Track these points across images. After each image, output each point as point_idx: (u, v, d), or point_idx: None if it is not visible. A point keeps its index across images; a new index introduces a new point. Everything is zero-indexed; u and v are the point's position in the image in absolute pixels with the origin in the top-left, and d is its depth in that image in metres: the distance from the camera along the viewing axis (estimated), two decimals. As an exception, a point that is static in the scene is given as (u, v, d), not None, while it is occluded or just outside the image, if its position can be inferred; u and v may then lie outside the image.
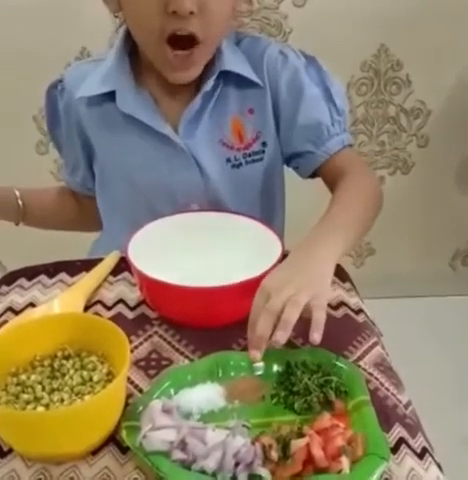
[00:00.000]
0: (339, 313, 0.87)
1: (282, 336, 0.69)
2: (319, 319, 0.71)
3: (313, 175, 1.04)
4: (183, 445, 0.63)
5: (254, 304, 0.74)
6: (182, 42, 0.88)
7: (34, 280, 0.95)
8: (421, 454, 0.67)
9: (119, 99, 0.98)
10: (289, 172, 1.08)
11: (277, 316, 0.70)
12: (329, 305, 0.88)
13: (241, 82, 0.98)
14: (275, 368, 0.75)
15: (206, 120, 0.99)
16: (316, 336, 0.70)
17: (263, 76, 0.99)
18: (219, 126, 1.00)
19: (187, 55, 0.90)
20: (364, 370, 0.77)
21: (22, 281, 0.95)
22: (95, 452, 0.67)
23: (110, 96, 0.99)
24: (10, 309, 0.89)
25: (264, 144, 1.01)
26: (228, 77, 0.98)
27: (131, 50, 1.00)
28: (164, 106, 1.00)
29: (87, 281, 0.92)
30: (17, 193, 1.08)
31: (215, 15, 0.88)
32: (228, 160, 1.00)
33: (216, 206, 1.01)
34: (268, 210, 1.08)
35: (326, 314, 0.83)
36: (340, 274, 0.96)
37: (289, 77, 1.00)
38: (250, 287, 0.82)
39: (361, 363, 0.78)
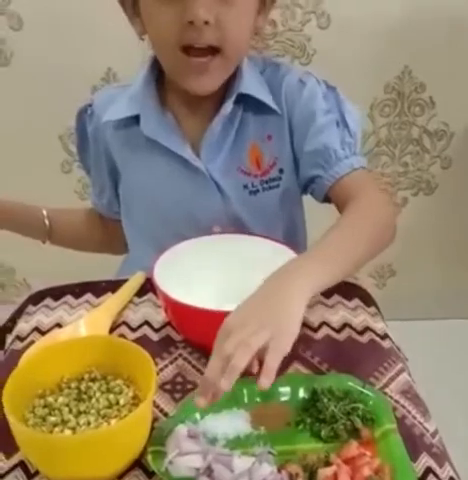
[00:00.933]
0: (365, 338, 0.87)
1: (225, 384, 0.63)
2: (270, 364, 0.64)
3: (328, 200, 1.02)
4: (209, 472, 0.63)
5: (214, 344, 0.67)
6: (198, 51, 0.89)
7: (60, 300, 0.96)
8: (448, 484, 0.66)
9: (143, 122, 0.99)
10: (311, 198, 1.07)
11: (226, 360, 0.64)
12: (355, 330, 0.88)
13: (260, 108, 0.99)
14: (301, 394, 0.75)
15: (228, 146, 1.00)
16: (263, 381, 0.64)
17: (281, 103, 0.99)
18: (238, 153, 1.00)
19: (202, 62, 0.90)
20: (390, 397, 0.76)
21: (48, 301, 0.96)
22: (121, 476, 0.67)
23: (135, 120, 1.00)
24: (36, 329, 0.90)
25: (281, 171, 1.01)
26: (248, 102, 0.98)
27: (157, 76, 1.01)
28: (187, 129, 1.01)
29: (112, 302, 0.93)
30: (44, 212, 1.10)
31: (232, 27, 0.88)
32: (245, 186, 1.01)
33: (238, 228, 1.02)
34: (289, 235, 1.08)
35: (351, 339, 0.84)
36: (365, 298, 0.96)
37: (303, 104, 0.99)
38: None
39: (387, 390, 0.77)
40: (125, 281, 0.98)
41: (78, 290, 0.98)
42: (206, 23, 0.85)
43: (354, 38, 1.68)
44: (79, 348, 0.75)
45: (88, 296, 0.97)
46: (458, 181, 1.90)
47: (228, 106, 0.96)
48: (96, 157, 1.09)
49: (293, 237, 1.09)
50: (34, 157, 1.81)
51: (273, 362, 0.64)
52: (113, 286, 0.97)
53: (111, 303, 0.92)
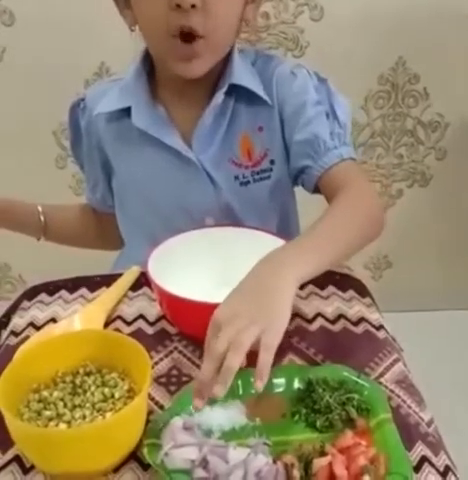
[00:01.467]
0: (360, 329, 0.87)
1: (219, 390, 0.64)
2: (264, 363, 0.65)
3: (318, 190, 1.01)
4: (205, 463, 0.63)
5: (206, 339, 0.68)
6: (186, 36, 0.89)
7: (55, 295, 0.96)
8: (444, 472, 0.66)
9: (134, 115, 0.99)
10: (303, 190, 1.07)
11: (220, 360, 0.65)
12: (350, 321, 0.88)
13: (252, 99, 0.99)
14: (296, 385, 0.75)
15: (219, 137, 1.00)
16: (259, 384, 0.65)
17: (272, 94, 0.99)
18: (230, 144, 1.00)
19: (190, 47, 0.90)
20: (386, 387, 0.76)
21: (43, 296, 0.96)
22: (116, 469, 0.67)
23: (127, 112, 1.00)
24: (31, 324, 0.90)
25: (272, 162, 1.02)
26: (239, 93, 0.98)
27: (149, 69, 1.02)
28: (178, 121, 1.01)
29: (107, 296, 0.93)
30: (39, 209, 1.10)
31: (219, 12, 0.89)
32: (236, 178, 1.01)
33: (230, 220, 1.02)
34: (282, 227, 1.08)
35: (346, 330, 0.84)
36: (360, 289, 0.96)
37: (294, 95, 0.99)
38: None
39: (382, 380, 0.77)
40: (120, 275, 0.98)
41: (72, 285, 0.98)
42: (193, 6, 0.86)
43: (347, 30, 1.68)
44: (74, 342, 0.74)
45: (83, 291, 0.97)
46: (453, 172, 1.91)
47: (219, 97, 0.96)
48: (89, 151, 1.09)
49: (286, 228, 1.09)
50: (28, 153, 1.80)
51: (267, 361, 0.65)
52: (108, 280, 0.97)
53: (106, 297, 0.92)
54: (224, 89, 0.96)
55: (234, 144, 1.00)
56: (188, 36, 0.89)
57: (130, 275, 0.97)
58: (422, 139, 1.85)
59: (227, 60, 0.98)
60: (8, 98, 1.74)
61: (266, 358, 0.65)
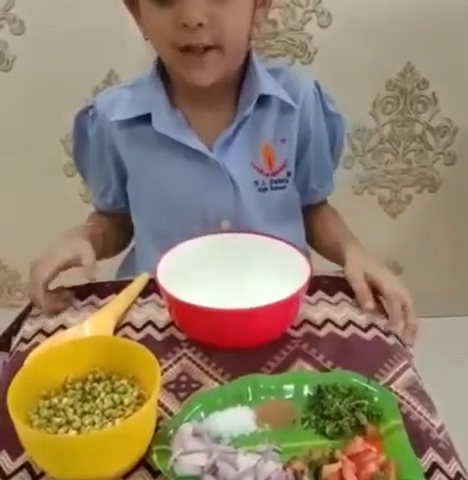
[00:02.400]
0: (369, 335, 0.87)
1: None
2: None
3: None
4: (214, 470, 0.63)
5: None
6: (195, 49, 0.91)
7: (64, 302, 0.96)
8: (455, 479, 0.66)
9: (155, 120, 1.00)
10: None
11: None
12: (359, 327, 0.88)
13: (277, 109, 1.01)
14: (306, 391, 0.75)
15: (239, 140, 1.01)
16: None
17: (298, 106, 1.02)
18: (252, 149, 1.02)
19: (199, 58, 0.92)
20: (396, 393, 0.76)
21: (52, 303, 0.96)
22: (126, 476, 0.67)
23: (143, 119, 1.01)
24: (41, 331, 0.90)
25: (289, 174, 1.04)
26: (264, 102, 0.99)
27: (163, 74, 1.03)
28: (197, 125, 1.02)
29: (117, 303, 0.93)
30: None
31: (228, 25, 0.90)
32: (256, 183, 1.03)
33: (246, 224, 1.02)
34: (294, 235, 1.08)
35: (355, 336, 0.84)
36: (369, 295, 0.95)
37: (316, 116, 1.04)
38: (279, 309, 0.82)
39: (393, 386, 0.77)
40: (129, 282, 0.98)
41: (82, 292, 0.98)
42: (200, 25, 0.87)
43: (355, 36, 1.67)
44: (83, 349, 0.75)
45: (92, 297, 0.97)
46: (462, 177, 1.89)
47: (249, 109, 0.97)
48: (100, 157, 1.09)
49: (299, 229, 1.13)
50: (37, 161, 1.81)
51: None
52: (117, 287, 0.97)
53: (115, 304, 0.92)
54: (254, 101, 0.97)
55: (256, 149, 1.02)
56: (197, 49, 0.90)
57: (140, 281, 0.98)
58: (431, 144, 1.84)
59: (246, 66, 0.99)
60: (18, 106, 1.75)
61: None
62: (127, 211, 1.14)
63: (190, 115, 1.02)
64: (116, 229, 1.16)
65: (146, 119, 1.00)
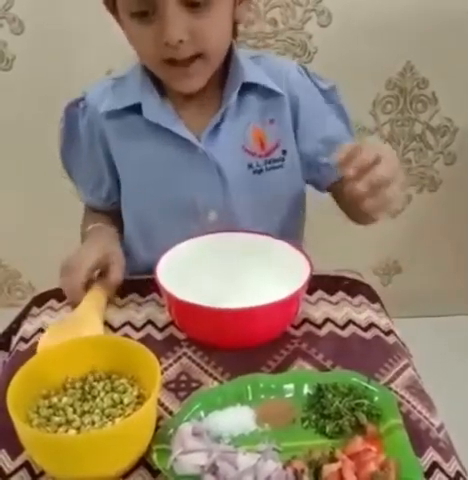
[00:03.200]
0: (369, 335, 0.86)
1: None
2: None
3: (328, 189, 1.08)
4: (214, 469, 0.63)
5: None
6: (180, 61, 0.91)
7: (64, 301, 0.96)
8: (455, 478, 0.66)
9: (146, 109, 1.00)
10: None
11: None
12: (359, 326, 0.88)
13: (261, 94, 1.01)
14: (305, 391, 0.75)
15: (227, 127, 1.01)
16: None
17: (282, 87, 1.02)
18: (241, 133, 1.02)
19: (185, 69, 0.92)
20: (396, 393, 0.76)
21: (52, 302, 0.96)
22: (126, 475, 0.67)
23: (132, 109, 1.01)
24: (41, 330, 0.90)
25: (284, 152, 1.03)
26: (248, 89, 1.00)
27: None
28: (185, 117, 1.02)
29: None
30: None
31: (210, 36, 0.90)
32: (250, 166, 1.02)
33: (233, 215, 1.02)
34: (290, 217, 1.09)
35: (355, 335, 0.84)
36: (369, 295, 0.95)
37: (308, 91, 1.04)
38: (279, 309, 0.82)
39: (392, 385, 0.77)
40: (127, 280, 0.98)
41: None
42: (180, 42, 0.87)
43: (355, 35, 1.68)
44: (83, 348, 0.75)
45: (92, 297, 0.97)
46: (462, 177, 1.90)
47: (233, 97, 0.98)
48: (91, 149, 1.08)
49: (293, 220, 1.11)
50: (36, 160, 1.81)
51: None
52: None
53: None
54: (238, 88, 0.98)
55: (246, 133, 1.02)
56: (182, 61, 0.90)
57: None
58: (431, 144, 1.84)
59: (228, 58, 0.99)
60: (17, 105, 1.75)
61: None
62: (118, 207, 1.13)
63: (179, 106, 1.02)
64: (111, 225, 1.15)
65: (135, 110, 1.01)
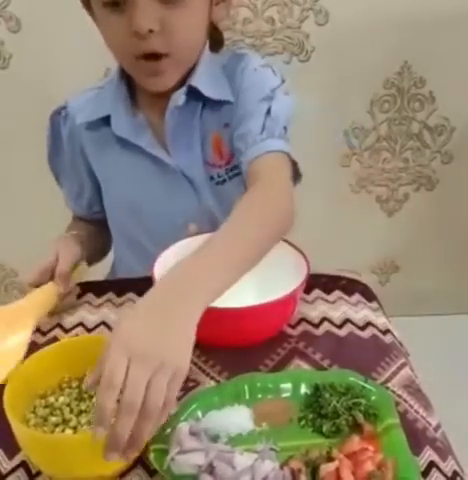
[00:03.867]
0: (366, 334, 0.86)
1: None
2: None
3: None
4: (211, 469, 0.63)
5: (109, 363, 0.56)
6: (149, 56, 0.90)
7: (61, 301, 0.96)
8: (452, 478, 0.66)
9: (114, 123, 1.00)
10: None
11: (137, 412, 0.56)
12: (356, 325, 0.88)
13: (215, 100, 0.98)
14: (303, 390, 0.75)
15: (194, 142, 1.00)
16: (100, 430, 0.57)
17: (235, 89, 0.98)
18: (203, 146, 1.00)
19: (154, 65, 0.91)
20: (393, 392, 0.76)
21: (49, 302, 0.96)
22: (123, 475, 0.67)
23: (106, 121, 1.01)
24: (38, 330, 0.90)
25: None
26: (203, 97, 0.98)
27: (128, 78, 1.02)
28: (157, 129, 1.01)
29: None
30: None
31: (179, 30, 0.89)
32: (212, 178, 1.01)
33: (212, 224, 1.01)
34: None
35: (352, 335, 0.83)
36: (366, 294, 0.95)
37: (245, 90, 0.98)
38: (276, 308, 0.82)
39: (389, 385, 0.77)
40: (126, 280, 0.98)
41: (79, 290, 0.98)
42: (150, 31, 0.86)
43: (352, 34, 1.67)
44: (79, 348, 0.74)
45: (89, 296, 0.97)
46: (459, 176, 1.90)
47: (179, 97, 0.95)
48: (73, 158, 1.08)
49: None
50: (33, 160, 1.80)
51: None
52: (114, 286, 0.97)
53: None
54: (184, 90, 0.95)
55: (206, 145, 1.00)
56: (152, 56, 0.90)
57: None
58: (428, 143, 1.85)
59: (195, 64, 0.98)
60: (14, 104, 1.75)
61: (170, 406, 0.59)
62: (103, 216, 1.13)
63: (151, 117, 1.01)
64: (95, 235, 1.14)
65: (109, 122, 1.00)
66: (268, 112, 0.94)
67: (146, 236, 1.03)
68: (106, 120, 1.01)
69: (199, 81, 0.96)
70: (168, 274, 0.67)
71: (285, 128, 0.95)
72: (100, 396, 0.55)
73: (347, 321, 0.89)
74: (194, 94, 0.96)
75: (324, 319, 0.89)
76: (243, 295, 0.83)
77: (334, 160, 1.83)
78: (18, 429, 0.64)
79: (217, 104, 0.99)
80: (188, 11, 0.88)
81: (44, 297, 0.90)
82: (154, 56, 0.90)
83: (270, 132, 0.93)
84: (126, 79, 1.01)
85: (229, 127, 0.99)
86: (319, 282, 0.96)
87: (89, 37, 1.64)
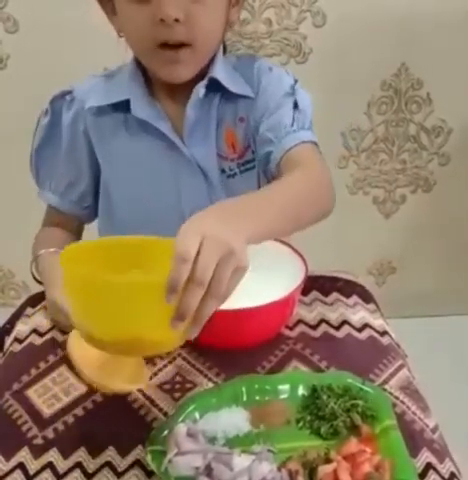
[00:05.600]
0: (364, 335, 0.87)
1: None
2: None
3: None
4: (209, 470, 0.63)
5: (184, 240, 0.60)
6: (171, 46, 0.91)
7: (58, 302, 0.96)
8: (449, 479, 0.66)
9: (133, 106, 1.00)
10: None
11: (205, 287, 0.60)
12: (354, 327, 0.88)
13: (231, 94, 1.01)
14: (300, 392, 0.75)
15: (209, 134, 1.02)
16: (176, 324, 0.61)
17: (254, 87, 1.02)
18: (216, 139, 1.02)
19: (174, 55, 0.92)
20: (390, 394, 0.76)
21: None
22: (120, 475, 0.67)
23: (120, 106, 1.01)
24: (35, 331, 0.90)
25: (254, 152, 1.03)
26: (221, 90, 1.00)
27: (143, 69, 1.03)
28: (172, 117, 1.02)
29: None
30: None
31: (203, 23, 0.91)
32: (223, 171, 1.03)
33: None
34: None
35: (350, 336, 0.83)
36: (364, 295, 0.96)
37: (268, 86, 1.01)
38: (274, 310, 0.82)
39: (387, 386, 0.77)
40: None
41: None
42: (176, 20, 0.88)
43: (350, 36, 1.68)
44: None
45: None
46: (456, 177, 1.90)
47: (200, 91, 0.97)
48: (72, 144, 1.06)
49: None
50: (29, 160, 1.80)
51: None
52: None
53: None
54: (205, 82, 0.97)
55: (219, 139, 1.02)
56: (172, 45, 0.91)
57: None
58: (425, 145, 1.85)
59: (213, 60, 1.00)
60: (12, 104, 1.74)
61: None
62: (89, 212, 1.12)
63: (165, 106, 1.02)
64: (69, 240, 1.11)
65: (122, 107, 1.01)
66: (296, 106, 0.99)
67: (150, 228, 1.01)
68: (118, 106, 1.01)
69: (218, 73, 0.99)
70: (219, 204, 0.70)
71: (311, 121, 1.01)
72: (175, 268, 0.58)
73: (345, 323, 0.89)
74: (212, 86, 0.99)
75: (322, 321, 0.89)
76: (241, 297, 0.83)
77: (331, 161, 1.83)
78: (72, 274, 0.61)
79: (233, 97, 1.01)
80: (211, 7, 0.91)
81: None
82: (174, 46, 0.91)
83: (301, 124, 0.98)
84: (141, 71, 1.02)
85: (244, 122, 1.02)
86: (316, 284, 0.96)
87: (86, 37, 1.66)
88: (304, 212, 0.81)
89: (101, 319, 0.62)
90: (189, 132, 1.00)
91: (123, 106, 1.01)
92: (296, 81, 1.03)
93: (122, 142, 1.03)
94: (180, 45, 0.91)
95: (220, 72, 0.99)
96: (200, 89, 0.97)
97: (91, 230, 1.18)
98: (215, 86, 0.99)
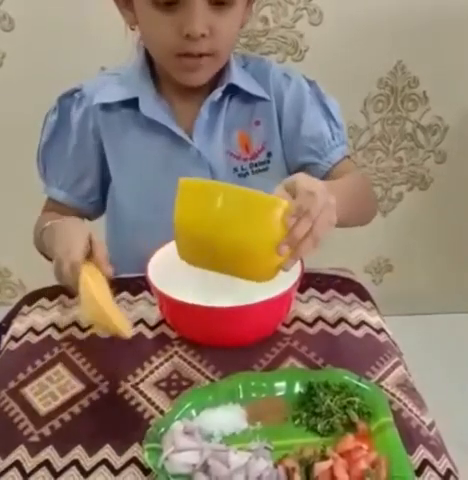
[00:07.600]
0: (360, 333, 0.87)
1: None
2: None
3: None
4: (205, 468, 0.63)
5: (304, 194, 0.72)
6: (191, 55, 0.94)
7: (55, 300, 0.96)
8: (446, 476, 0.66)
9: (142, 104, 1.01)
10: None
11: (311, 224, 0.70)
12: (350, 324, 0.88)
13: (248, 98, 1.04)
14: (297, 389, 0.75)
15: (217, 133, 1.03)
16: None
17: (269, 91, 1.04)
18: (228, 139, 1.04)
19: (195, 63, 0.95)
20: (387, 391, 0.76)
21: (43, 301, 0.96)
22: (117, 473, 0.67)
23: (129, 103, 1.02)
24: (31, 329, 0.90)
25: (269, 154, 1.05)
26: (236, 93, 1.03)
27: (151, 62, 1.04)
28: (180, 115, 1.04)
29: None
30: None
31: (225, 34, 0.94)
32: (235, 169, 1.04)
33: None
34: None
35: (347, 334, 0.84)
36: (360, 293, 0.96)
37: (293, 94, 1.05)
38: (271, 307, 0.82)
39: (383, 383, 0.77)
40: (121, 279, 0.97)
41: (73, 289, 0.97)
42: (202, 36, 0.90)
43: (346, 34, 1.68)
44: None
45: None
46: (453, 175, 1.90)
47: (217, 94, 1.00)
48: (81, 141, 1.06)
49: None
50: (28, 159, 1.80)
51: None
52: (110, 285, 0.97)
53: None
54: (223, 88, 1.00)
55: (232, 139, 1.04)
56: (195, 55, 0.93)
57: None
58: (422, 142, 1.85)
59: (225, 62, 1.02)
60: (8, 103, 1.74)
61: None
62: (95, 207, 1.12)
63: (173, 104, 1.04)
64: None
65: (131, 105, 1.02)
66: (330, 117, 1.06)
67: (161, 225, 1.00)
68: (127, 103, 1.02)
69: (236, 78, 1.01)
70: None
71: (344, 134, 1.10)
72: (301, 197, 0.71)
73: (341, 320, 0.89)
74: (228, 89, 1.01)
75: (318, 318, 0.89)
76: (237, 294, 0.83)
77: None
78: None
79: (251, 99, 1.04)
80: (233, 18, 0.94)
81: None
82: (198, 55, 0.93)
83: (340, 138, 1.07)
84: (150, 68, 1.04)
85: (260, 125, 1.04)
86: (313, 281, 0.96)
87: (83, 36, 1.65)
88: (359, 209, 0.94)
89: (222, 220, 0.72)
90: (199, 131, 1.02)
91: (132, 103, 1.02)
92: (312, 82, 1.07)
93: (132, 138, 1.04)
94: (201, 55, 0.93)
95: (236, 76, 1.02)
96: (218, 93, 1.00)
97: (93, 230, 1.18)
98: (230, 89, 1.01)
